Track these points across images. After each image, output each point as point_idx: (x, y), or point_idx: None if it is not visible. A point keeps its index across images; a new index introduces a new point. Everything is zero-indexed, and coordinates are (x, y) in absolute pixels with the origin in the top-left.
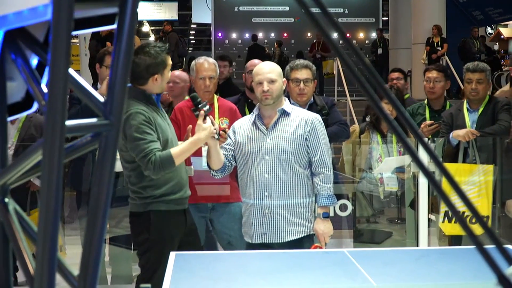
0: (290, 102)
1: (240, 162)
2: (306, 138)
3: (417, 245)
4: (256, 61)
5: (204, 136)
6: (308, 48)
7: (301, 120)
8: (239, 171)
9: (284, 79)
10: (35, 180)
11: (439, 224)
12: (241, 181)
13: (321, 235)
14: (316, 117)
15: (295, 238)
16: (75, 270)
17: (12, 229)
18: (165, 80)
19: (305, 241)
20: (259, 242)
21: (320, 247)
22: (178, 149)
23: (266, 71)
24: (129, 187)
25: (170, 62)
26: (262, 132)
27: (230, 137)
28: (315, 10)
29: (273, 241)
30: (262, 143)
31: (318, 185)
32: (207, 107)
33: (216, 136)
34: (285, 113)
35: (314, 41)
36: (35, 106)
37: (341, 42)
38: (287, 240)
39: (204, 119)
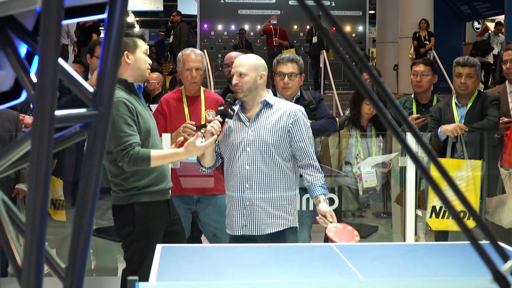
0: (277, 96)
1: (224, 154)
2: (289, 131)
3: (404, 240)
4: (233, 53)
5: (191, 155)
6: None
7: (284, 112)
8: (224, 163)
9: (263, 72)
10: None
11: (426, 219)
12: (226, 173)
13: (328, 212)
14: (299, 109)
15: (276, 230)
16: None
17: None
18: (140, 62)
19: (288, 234)
20: (240, 234)
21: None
22: (159, 154)
23: (237, 64)
24: (111, 179)
25: (143, 45)
26: (244, 123)
27: None
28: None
29: (254, 233)
30: (243, 134)
31: (309, 176)
32: (232, 113)
33: (216, 137)
34: (267, 105)
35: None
36: (23, 96)
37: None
38: (267, 233)
39: (221, 117)
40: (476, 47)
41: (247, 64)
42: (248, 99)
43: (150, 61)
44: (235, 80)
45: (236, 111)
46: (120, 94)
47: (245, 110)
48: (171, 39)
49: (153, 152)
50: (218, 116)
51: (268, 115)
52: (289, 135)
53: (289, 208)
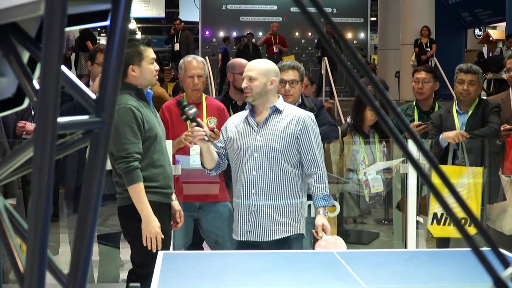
0: None
1: (231, 158)
2: (297, 137)
3: (405, 247)
4: (238, 59)
5: (150, 226)
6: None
7: (292, 119)
8: (231, 168)
9: (273, 78)
10: None
11: (427, 226)
12: (233, 178)
13: (327, 227)
14: (308, 115)
15: (280, 237)
16: (65, 269)
17: (2, 226)
18: (146, 73)
19: (293, 241)
20: (244, 239)
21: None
22: (141, 193)
23: (248, 68)
24: (116, 180)
25: (149, 54)
26: (252, 128)
27: (222, 134)
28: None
29: (258, 239)
30: (251, 139)
31: (312, 187)
32: (194, 110)
33: (206, 138)
34: (277, 111)
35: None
36: (26, 103)
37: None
38: (272, 239)
39: (192, 121)
40: (490, 63)
41: (258, 69)
42: (258, 103)
43: (157, 67)
44: (244, 84)
45: (193, 108)
46: (129, 100)
47: (255, 115)
48: (177, 47)
49: (141, 186)
50: (189, 123)
51: (277, 121)
52: (297, 142)
53: (295, 215)
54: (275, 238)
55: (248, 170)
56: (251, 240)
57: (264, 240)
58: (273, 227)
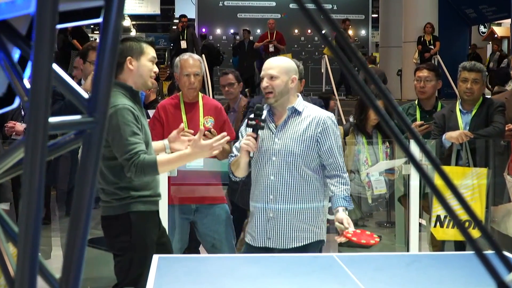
0: None
1: (252, 161)
2: (317, 140)
3: (408, 250)
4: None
5: (199, 156)
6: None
7: (312, 120)
8: (251, 170)
9: (294, 76)
10: None
11: (430, 229)
12: (252, 181)
13: (345, 219)
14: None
15: (300, 244)
16: (57, 273)
17: None
18: (143, 69)
19: (312, 248)
20: (262, 246)
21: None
22: (165, 158)
23: (267, 66)
24: (103, 188)
25: (150, 52)
26: (271, 131)
27: (241, 135)
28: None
29: (278, 247)
30: (270, 143)
31: (333, 186)
32: (264, 125)
33: (251, 155)
34: (295, 112)
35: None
36: (16, 102)
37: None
38: (291, 247)
39: (255, 132)
40: (495, 75)
41: (279, 67)
42: (278, 104)
43: (156, 70)
44: (265, 83)
45: (265, 119)
46: (125, 101)
47: (274, 116)
48: (183, 45)
49: (160, 158)
50: (251, 130)
51: (296, 123)
52: (317, 144)
53: (316, 221)
54: (296, 246)
55: (266, 174)
56: (270, 246)
57: (283, 247)
58: (292, 234)
